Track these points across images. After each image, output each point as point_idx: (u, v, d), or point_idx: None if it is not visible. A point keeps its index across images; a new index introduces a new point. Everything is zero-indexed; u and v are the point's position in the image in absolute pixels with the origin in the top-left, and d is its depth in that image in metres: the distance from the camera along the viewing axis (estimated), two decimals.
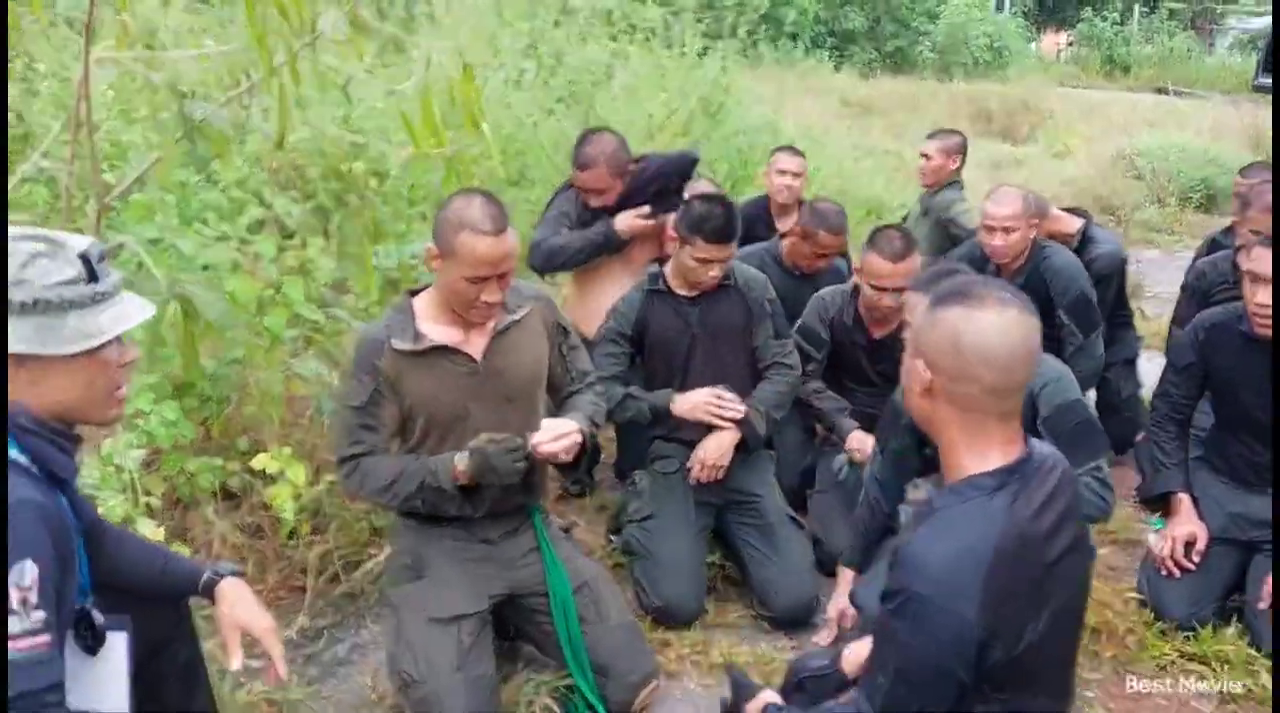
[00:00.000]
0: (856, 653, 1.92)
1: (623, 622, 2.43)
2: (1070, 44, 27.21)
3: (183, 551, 2.71)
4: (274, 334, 3.11)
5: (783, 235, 3.74)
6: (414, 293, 2.35)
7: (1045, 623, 1.48)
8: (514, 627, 2.47)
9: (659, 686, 2.44)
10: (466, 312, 2.23)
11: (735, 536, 2.94)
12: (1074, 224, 3.86)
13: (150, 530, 2.65)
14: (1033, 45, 25.72)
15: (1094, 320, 3.49)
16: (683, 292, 2.96)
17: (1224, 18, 28.30)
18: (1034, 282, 3.48)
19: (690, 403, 2.88)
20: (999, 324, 1.47)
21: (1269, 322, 2.64)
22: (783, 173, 4.23)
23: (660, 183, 3.34)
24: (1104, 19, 25.51)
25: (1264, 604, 2.63)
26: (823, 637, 2.77)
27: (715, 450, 2.88)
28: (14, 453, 1.39)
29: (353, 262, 3.76)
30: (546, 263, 3.41)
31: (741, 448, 2.93)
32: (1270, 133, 12.93)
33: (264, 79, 2.72)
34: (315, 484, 3.04)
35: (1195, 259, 4.23)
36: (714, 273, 2.86)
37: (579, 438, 2.27)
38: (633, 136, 5.67)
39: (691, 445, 2.93)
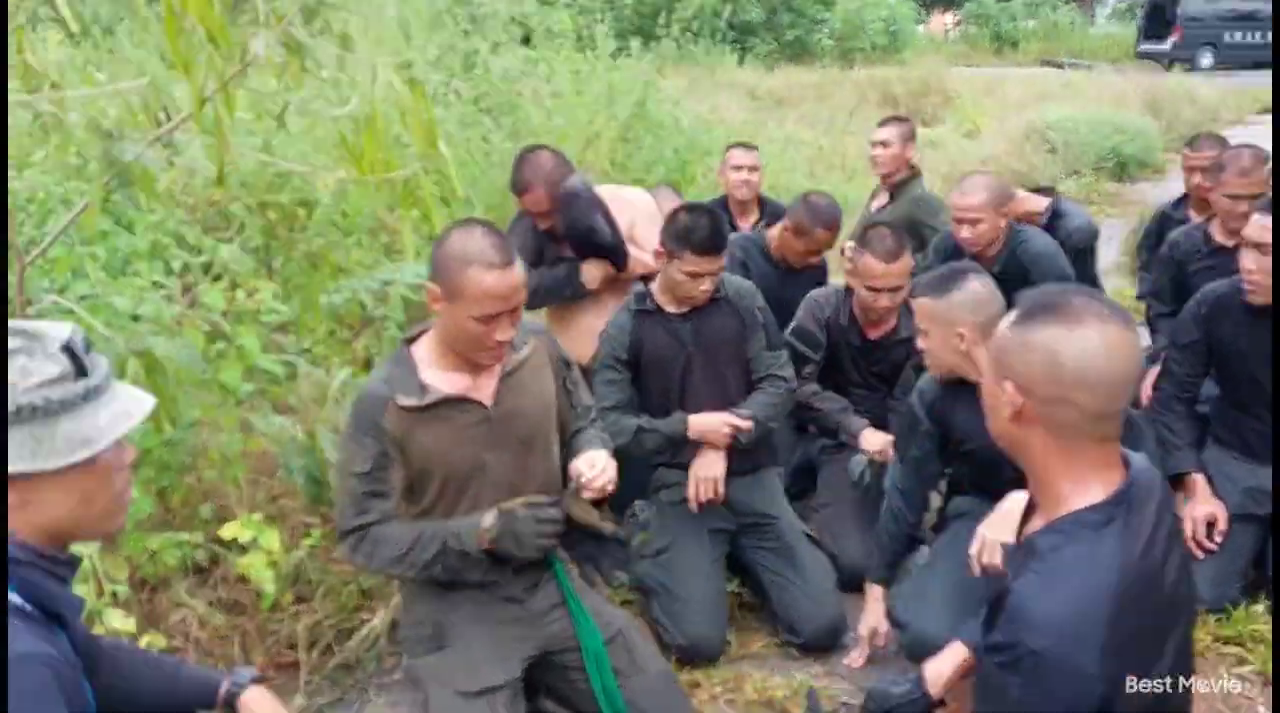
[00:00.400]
0: (938, 672, 1.83)
1: (660, 670, 2.27)
2: (958, 23, 27.85)
3: (158, 642, 2.48)
4: (231, 390, 2.86)
5: (767, 225, 3.66)
6: (410, 341, 2.15)
7: (1171, 657, 1.37)
8: (544, 686, 2.28)
9: None
10: (476, 354, 2.04)
11: (753, 560, 2.80)
12: (1041, 203, 3.84)
13: (120, 622, 2.41)
14: (920, 28, 26.25)
15: None
16: (673, 308, 2.81)
17: None
18: (1012, 267, 3.42)
19: (707, 425, 2.74)
20: (1102, 344, 1.33)
21: (1259, 289, 2.61)
22: (738, 168, 4.15)
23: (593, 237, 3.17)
24: None
25: None
26: (854, 658, 2.65)
27: (706, 467, 2.74)
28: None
29: (300, 301, 3.53)
30: None
31: (739, 463, 2.80)
32: (1165, 96, 13.39)
33: (195, 111, 2.49)
34: (293, 549, 2.82)
35: (1145, 235, 4.25)
36: (705, 287, 2.72)
37: (614, 468, 2.11)
38: (570, 146, 5.53)
39: None
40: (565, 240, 3.20)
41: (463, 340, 2.02)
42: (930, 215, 4.17)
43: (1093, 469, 1.38)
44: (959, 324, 2.32)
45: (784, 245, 3.54)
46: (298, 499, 2.95)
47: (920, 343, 2.46)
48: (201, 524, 2.81)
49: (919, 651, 2.22)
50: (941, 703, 1.83)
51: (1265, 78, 19.20)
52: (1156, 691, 1.34)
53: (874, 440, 2.98)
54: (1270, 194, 2.93)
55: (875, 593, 2.63)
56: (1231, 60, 21.60)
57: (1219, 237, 3.39)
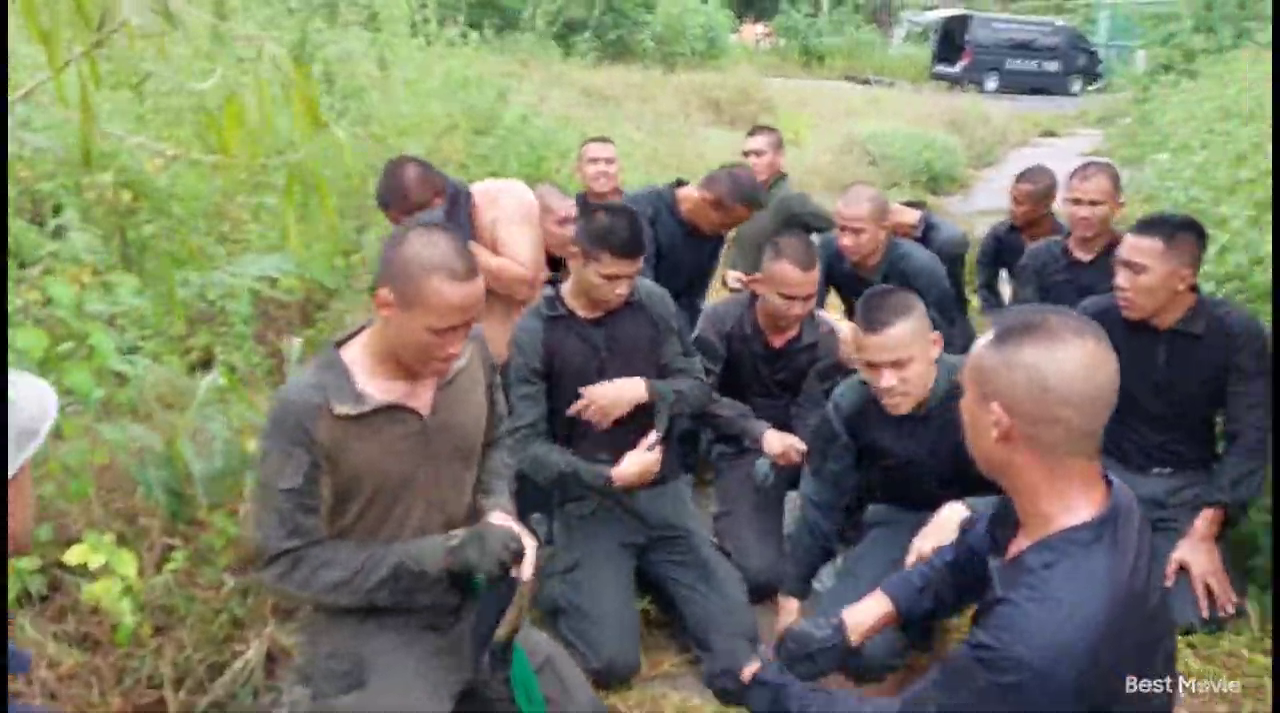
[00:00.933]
0: (859, 621, 1.89)
1: (591, 698, 2.17)
2: (768, 35, 28.85)
3: None
4: (83, 395, 2.52)
5: (680, 183, 3.64)
6: (339, 344, 1.94)
7: (1161, 664, 1.41)
8: None
9: None
10: (424, 365, 1.87)
11: (664, 575, 2.72)
12: (913, 216, 3.97)
13: None
14: (733, 36, 27.05)
15: (955, 311, 3.59)
16: (585, 313, 2.69)
17: (899, 11, 31.06)
18: (893, 279, 3.52)
19: (631, 474, 2.61)
20: (1084, 361, 1.36)
21: (1132, 305, 2.75)
22: (595, 161, 4.15)
23: None
24: (798, 11, 27.19)
25: (1169, 583, 2.73)
26: None
27: (609, 393, 2.66)
28: None
29: (156, 294, 3.18)
30: None
31: (658, 480, 2.72)
32: (963, 116, 14.31)
33: (54, 80, 2.18)
34: (153, 574, 2.52)
35: (982, 253, 4.48)
36: (621, 290, 2.62)
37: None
38: (423, 138, 5.28)
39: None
40: None
41: (411, 350, 1.85)
42: (803, 204, 4.31)
43: (1078, 487, 1.40)
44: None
45: (698, 213, 3.51)
46: (157, 518, 2.64)
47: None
48: (38, 547, 2.46)
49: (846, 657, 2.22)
50: (858, 652, 1.89)
51: (1041, 102, 21.02)
52: (1156, 691, 1.38)
53: (777, 443, 2.96)
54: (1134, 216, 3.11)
55: (790, 605, 2.61)
56: (1012, 85, 23.50)
57: (1076, 251, 3.59)
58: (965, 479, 2.38)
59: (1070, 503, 1.39)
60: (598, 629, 2.50)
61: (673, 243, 3.30)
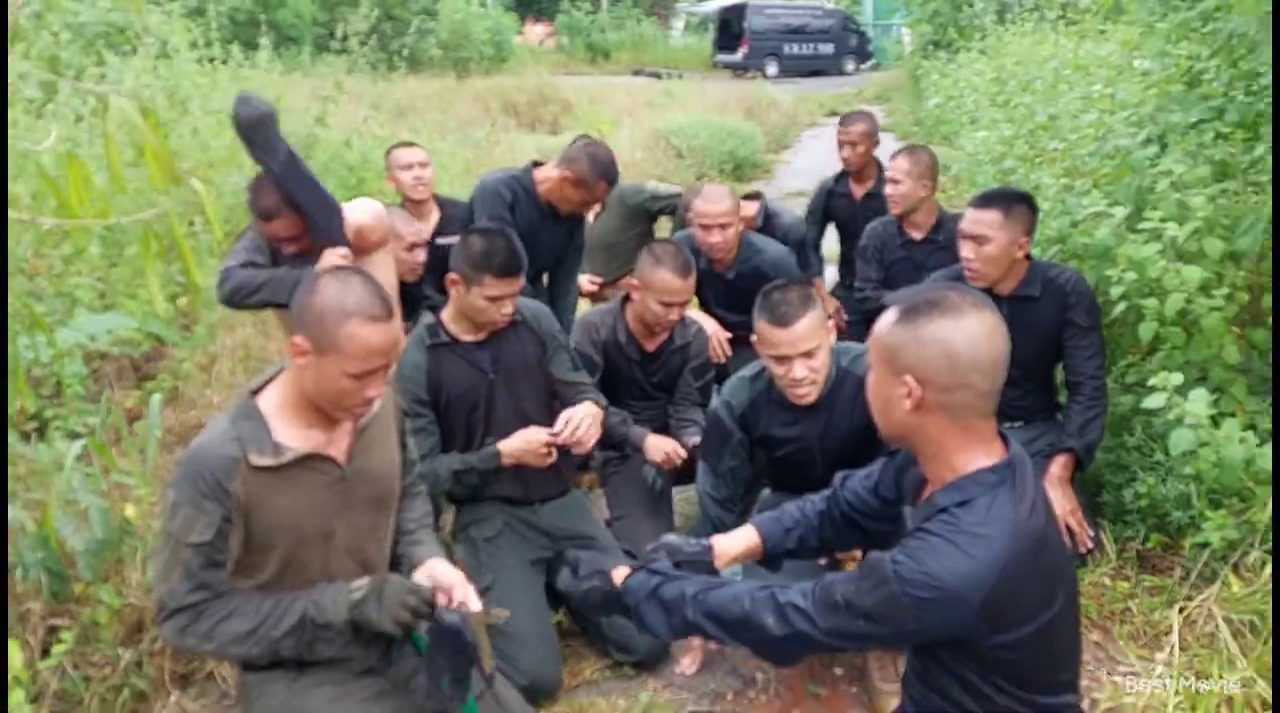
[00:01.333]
0: (727, 549, 1.99)
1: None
2: (551, 34, 29.00)
3: None
4: None
5: (537, 163, 3.56)
6: (254, 392, 1.88)
7: (1061, 603, 1.55)
8: None
9: None
10: (341, 411, 1.83)
11: None
12: (753, 208, 4.11)
13: None
14: (517, 38, 27.03)
15: None
16: (469, 337, 2.68)
17: (675, 3, 31.86)
18: (747, 272, 3.65)
19: (519, 447, 2.63)
20: (985, 330, 1.51)
21: (978, 275, 2.98)
22: (408, 167, 3.94)
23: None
24: (578, 9, 27.45)
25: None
26: (687, 666, 2.68)
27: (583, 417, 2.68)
28: None
29: None
30: (234, 295, 2.86)
31: (548, 488, 2.76)
32: (756, 103, 14.87)
33: None
34: (41, 658, 2.34)
35: (811, 210, 4.67)
36: (507, 310, 2.62)
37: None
38: (242, 172, 5.04)
39: (512, 501, 2.69)
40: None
41: (329, 397, 1.81)
42: (640, 193, 4.39)
43: (982, 443, 1.55)
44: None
45: (558, 193, 3.43)
46: (38, 600, 2.45)
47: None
48: None
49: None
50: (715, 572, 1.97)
51: (820, 84, 22.11)
52: (1056, 614, 1.53)
53: (657, 452, 3.03)
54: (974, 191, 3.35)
55: None
56: (792, 69, 24.62)
57: (909, 230, 3.83)
58: (850, 459, 2.54)
59: (974, 456, 1.54)
60: (518, 647, 2.49)
61: (533, 227, 3.27)
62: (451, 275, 2.62)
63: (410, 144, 4.11)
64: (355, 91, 14.04)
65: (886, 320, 1.58)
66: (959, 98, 8.50)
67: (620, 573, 1.85)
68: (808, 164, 11.39)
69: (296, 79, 11.31)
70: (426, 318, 2.73)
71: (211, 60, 7.06)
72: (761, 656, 1.78)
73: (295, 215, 2.83)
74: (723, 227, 3.55)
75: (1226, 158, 3.24)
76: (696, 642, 2.67)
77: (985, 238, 2.90)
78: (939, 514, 1.51)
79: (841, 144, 4.41)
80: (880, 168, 4.38)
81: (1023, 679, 1.54)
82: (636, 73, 23.46)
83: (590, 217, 4.18)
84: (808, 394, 2.47)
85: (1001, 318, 1.55)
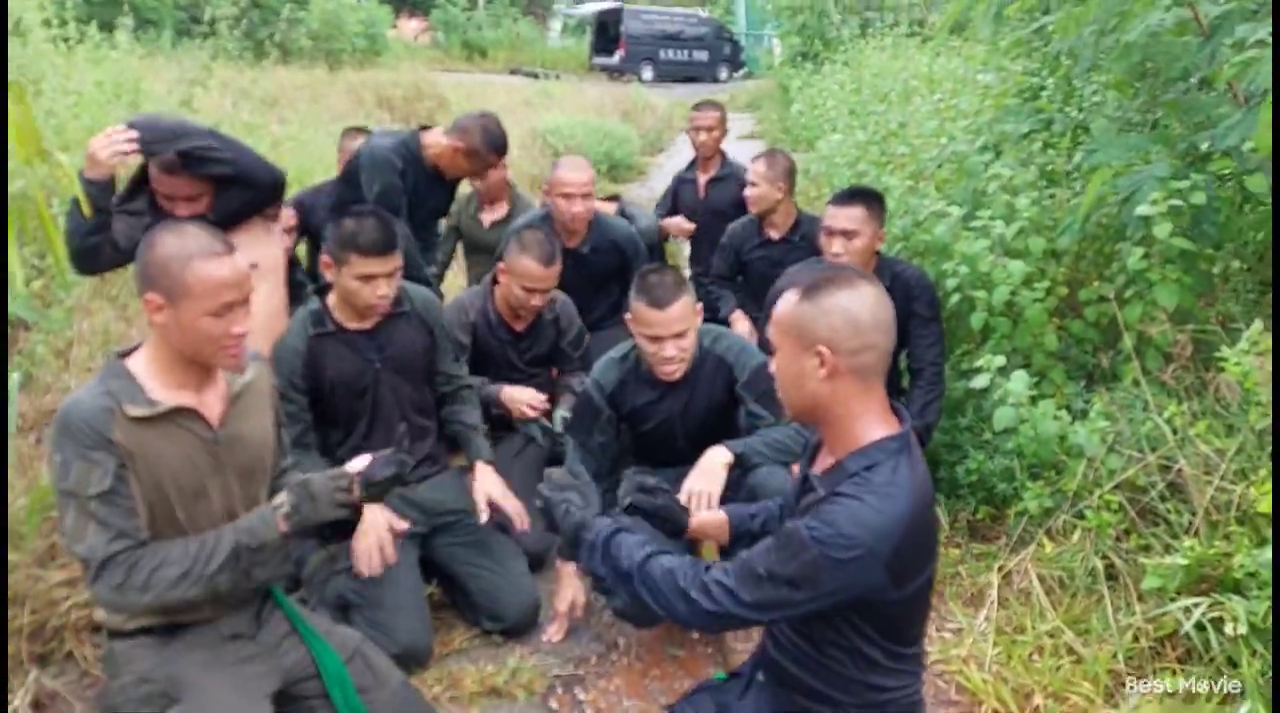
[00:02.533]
0: (699, 520, 2.11)
1: (402, 681, 2.25)
2: (426, 29, 28.63)
3: None
4: None
5: (424, 127, 3.56)
6: (122, 356, 1.91)
7: (927, 574, 1.72)
8: None
9: None
10: (217, 354, 1.88)
11: (449, 556, 2.82)
12: (611, 208, 4.27)
13: None
14: (390, 32, 26.59)
15: None
16: (355, 325, 2.71)
17: (553, 4, 31.88)
18: (602, 246, 3.80)
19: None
20: (877, 295, 1.67)
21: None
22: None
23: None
24: (454, 5, 27.18)
25: None
26: (553, 633, 2.80)
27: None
28: None
29: None
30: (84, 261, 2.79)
31: (425, 467, 2.84)
32: (632, 106, 15.09)
33: None
34: None
35: (664, 196, 4.94)
36: (382, 291, 2.65)
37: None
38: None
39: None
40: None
41: (198, 342, 1.85)
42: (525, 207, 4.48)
43: (880, 407, 1.70)
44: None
45: (447, 160, 3.45)
46: None
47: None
48: None
49: (636, 607, 2.46)
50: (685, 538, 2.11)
51: (694, 90, 22.53)
52: (930, 572, 1.71)
53: (515, 402, 3.22)
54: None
55: (569, 569, 2.80)
56: (667, 74, 24.99)
57: (768, 230, 4.04)
58: (706, 433, 2.72)
59: (874, 425, 1.68)
60: (392, 617, 2.57)
61: (419, 191, 3.33)
62: (324, 258, 2.66)
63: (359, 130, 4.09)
64: (221, 79, 13.63)
65: (789, 301, 1.70)
66: (821, 106, 8.88)
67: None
68: (681, 167, 11.63)
69: (158, 63, 10.93)
70: (312, 303, 2.75)
71: (67, 40, 6.79)
72: (693, 628, 1.85)
73: (196, 177, 2.79)
74: (584, 196, 3.65)
75: (1053, 164, 3.56)
76: (563, 607, 2.79)
77: (854, 232, 3.11)
78: (850, 478, 1.63)
79: (697, 130, 4.67)
80: (725, 157, 4.73)
81: (893, 631, 1.68)
82: (514, 72, 23.42)
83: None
84: (675, 371, 2.63)
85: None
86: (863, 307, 1.64)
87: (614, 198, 4.50)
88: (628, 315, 2.65)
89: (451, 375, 2.92)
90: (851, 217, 3.09)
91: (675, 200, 4.80)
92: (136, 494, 1.84)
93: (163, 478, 1.87)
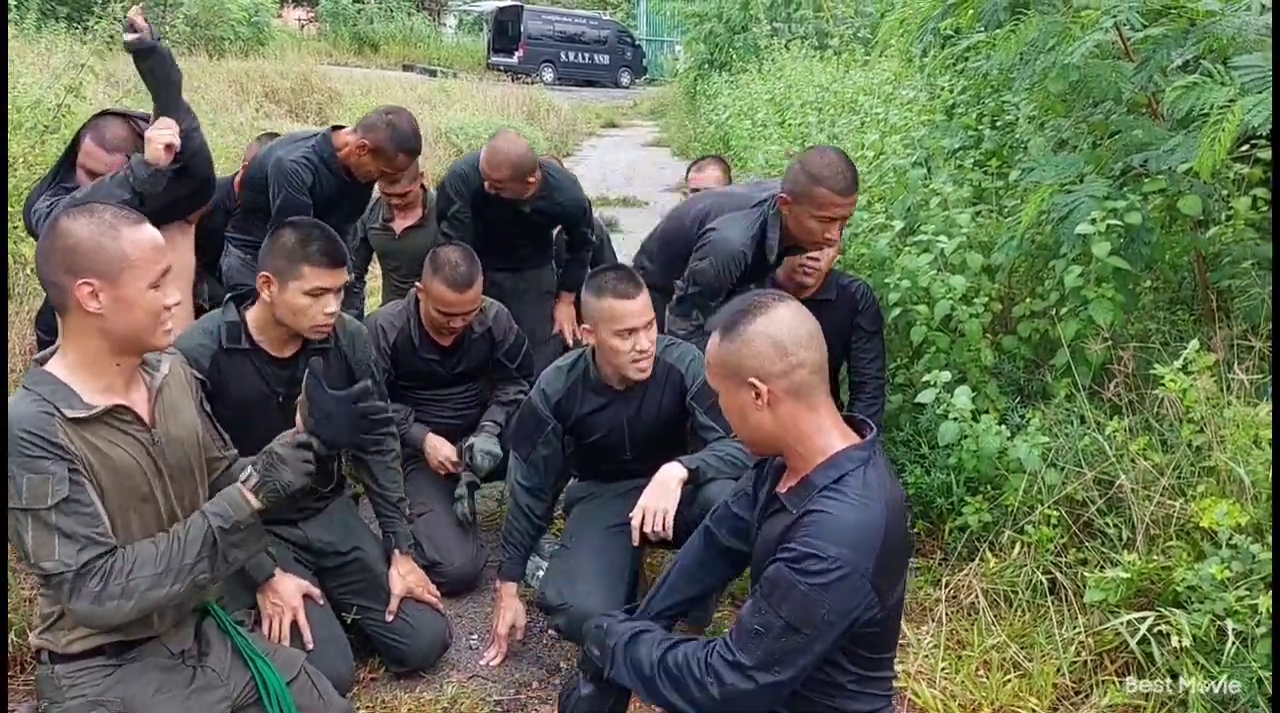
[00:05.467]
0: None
1: (344, 703, 2.18)
2: (312, 19, 27.79)
3: None
4: None
5: (336, 127, 3.38)
6: (40, 362, 1.78)
7: (902, 588, 1.69)
8: None
9: None
10: (157, 332, 1.79)
11: (343, 602, 2.61)
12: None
13: None
14: (274, 20, 25.72)
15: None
16: (274, 351, 2.49)
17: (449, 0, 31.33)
18: (546, 208, 3.63)
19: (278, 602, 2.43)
20: (793, 313, 1.67)
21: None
22: None
23: None
24: None
25: None
26: (492, 657, 2.69)
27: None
28: None
29: None
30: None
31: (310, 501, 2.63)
32: (535, 107, 14.95)
33: None
34: None
35: None
36: (330, 308, 2.42)
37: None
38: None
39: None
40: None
41: (142, 320, 1.77)
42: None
43: (832, 419, 1.67)
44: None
45: (354, 160, 3.27)
46: None
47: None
48: None
49: (578, 628, 2.36)
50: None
51: (595, 93, 22.50)
52: (896, 604, 1.67)
53: (432, 456, 3.13)
54: None
55: (509, 589, 2.69)
56: (568, 77, 24.84)
57: None
58: (654, 444, 2.65)
59: (834, 436, 1.66)
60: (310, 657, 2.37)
61: (332, 198, 3.18)
62: (262, 275, 2.41)
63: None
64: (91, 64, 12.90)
65: (713, 343, 1.70)
66: (750, 114, 8.90)
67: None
68: (589, 174, 11.57)
69: (19, 46, 10.29)
70: (228, 313, 2.50)
71: None
72: None
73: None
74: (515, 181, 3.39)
75: (982, 182, 3.61)
76: (503, 630, 2.68)
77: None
78: (820, 492, 1.59)
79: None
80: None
81: (863, 654, 1.64)
82: (407, 68, 22.90)
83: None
84: (646, 368, 2.55)
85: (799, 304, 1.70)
86: (780, 328, 1.64)
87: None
88: (585, 327, 2.55)
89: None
90: None
91: None
92: (95, 499, 1.71)
93: (111, 483, 1.75)
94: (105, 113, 2.90)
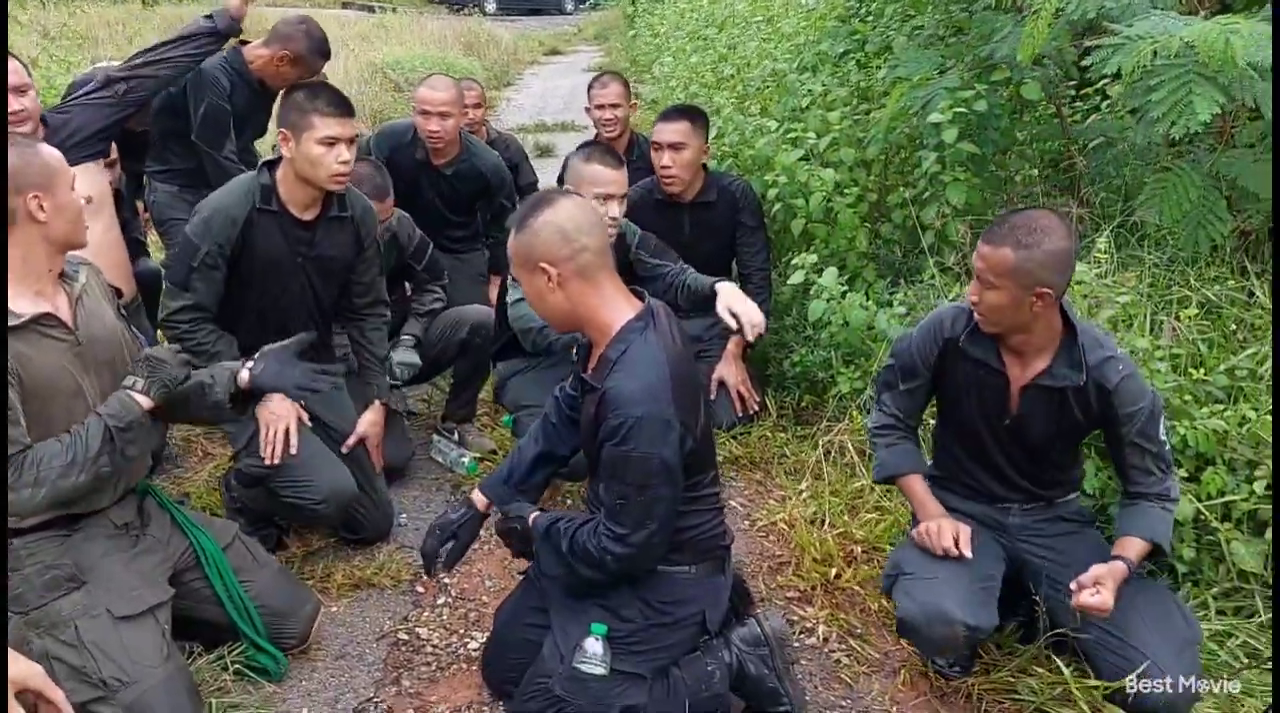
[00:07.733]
0: (479, 497, 2.29)
1: (279, 566, 2.46)
2: None
3: None
4: None
5: (244, 42, 3.48)
6: None
7: (704, 415, 2.01)
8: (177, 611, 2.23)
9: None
10: (81, 229, 2.06)
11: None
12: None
13: None
14: None
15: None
16: (298, 212, 2.68)
17: None
18: (466, 173, 3.85)
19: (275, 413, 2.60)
20: (576, 204, 1.97)
21: (675, 181, 3.41)
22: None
23: None
24: None
25: (712, 395, 3.47)
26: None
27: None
28: None
29: None
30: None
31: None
32: (475, 40, 14.87)
33: None
34: None
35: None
36: (344, 157, 2.59)
37: None
38: None
39: None
40: None
41: (72, 223, 2.04)
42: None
43: (617, 296, 1.96)
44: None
45: (272, 71, 3.41)
46: None
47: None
48: None
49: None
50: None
51: (539, 22, 22.27)
52: (703, 430, 1.99)
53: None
54: None
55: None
56: (511, 7, 24.48)
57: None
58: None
59: (618, 310, 1.94)
60: (307, 470, 2.63)
61: (248, 108, 3.34)
62: (281, 132, 2.60)
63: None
64: (23, 18, 12.73)
65: (510, 238, 1.98)
66: (666, 33, 9.03)
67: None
68: (528, 101, 11.66)
69: None
70: (262, 176, 2.67)
71: None
72: (623, 582, 2.02)
73: None
74: (442, 115, 3.61)
75: (860, 83, 3.87)
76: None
77: (682, 145, 3.35)
78: (613, 366, 1.87)
79: (600, 108, 4.01)
80: (635, 139, 4.17)
81: (691, 478, 1.95)
82: (346, 5, 22.53)
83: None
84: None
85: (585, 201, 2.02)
86: (565, 218, 1.91)
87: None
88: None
89: (370, 285, 2.93)
90: (677, 130, 3.32)
91: None
92: (17, 405, 1.93)
93: (42, 383, 1.97)
94: None
